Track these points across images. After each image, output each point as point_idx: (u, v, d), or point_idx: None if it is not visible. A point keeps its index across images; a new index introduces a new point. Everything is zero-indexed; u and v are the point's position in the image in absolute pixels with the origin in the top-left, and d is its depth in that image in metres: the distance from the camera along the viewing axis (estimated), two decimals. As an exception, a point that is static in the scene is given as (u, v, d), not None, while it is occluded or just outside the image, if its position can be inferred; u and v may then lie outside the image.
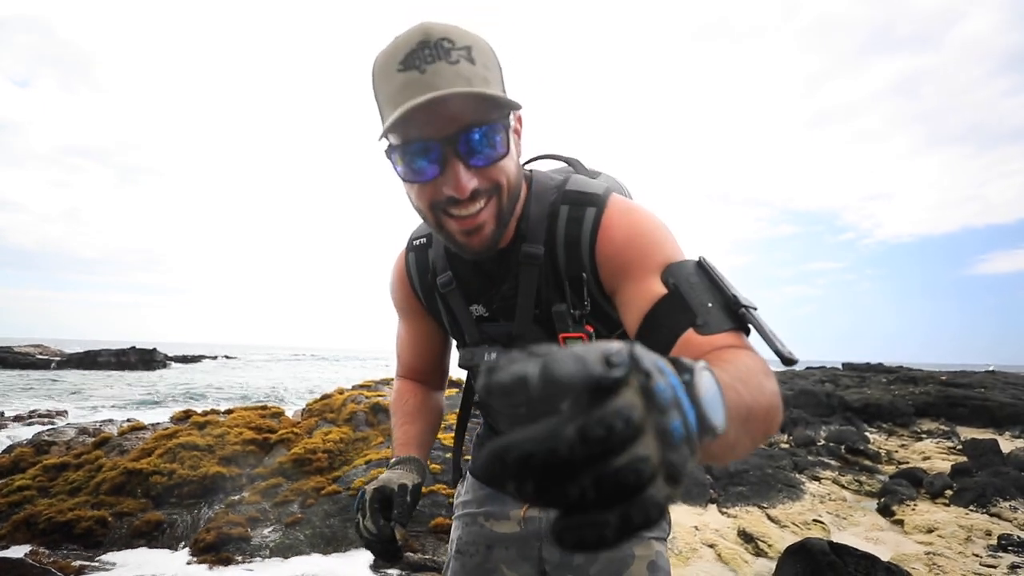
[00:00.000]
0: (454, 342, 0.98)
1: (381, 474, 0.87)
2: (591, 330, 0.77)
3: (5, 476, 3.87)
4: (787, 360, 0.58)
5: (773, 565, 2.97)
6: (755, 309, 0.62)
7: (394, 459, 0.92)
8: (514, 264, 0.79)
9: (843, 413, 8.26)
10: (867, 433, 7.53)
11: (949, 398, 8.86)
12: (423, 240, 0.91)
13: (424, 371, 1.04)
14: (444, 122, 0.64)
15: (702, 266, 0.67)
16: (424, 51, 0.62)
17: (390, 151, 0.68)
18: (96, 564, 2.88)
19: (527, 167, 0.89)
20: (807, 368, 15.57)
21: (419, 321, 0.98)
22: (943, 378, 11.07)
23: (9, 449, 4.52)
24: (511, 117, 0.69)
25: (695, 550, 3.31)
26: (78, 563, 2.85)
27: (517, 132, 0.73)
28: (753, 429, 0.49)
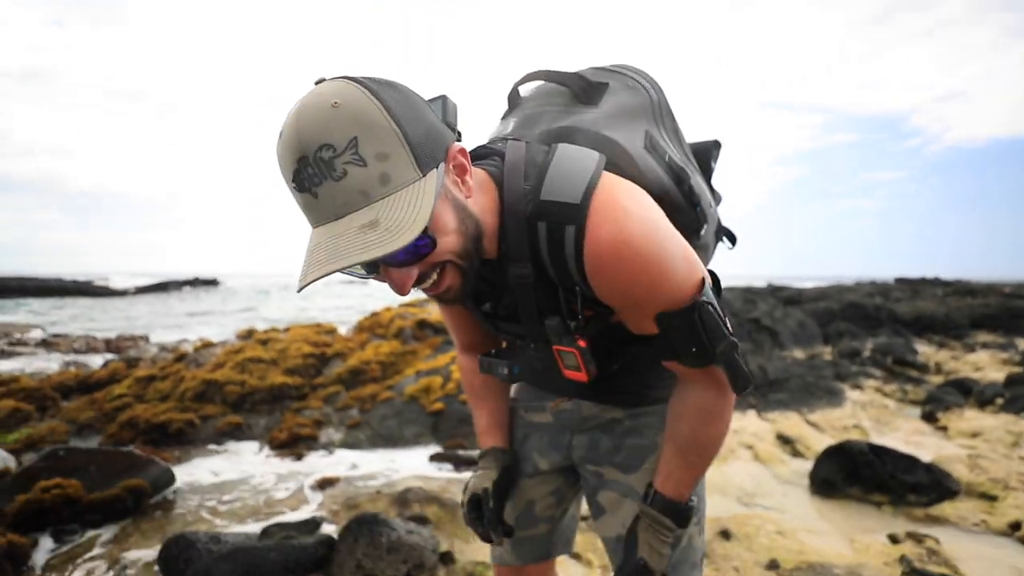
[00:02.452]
0: None
1: (473, 476, 1.01)
2: (583, 345, 0.76)
3: (104, 387, 4.39)
4: (740, 390, 0.74)
5: (810, 465, 3.06)
6: (734, 347, 0.72)
7: (479, 452, 1.05)
8: (506, 279, 0.76)
9: (892, 326, 8.02)
10: (916, 345, 7.33)
11: (1011, 310, 8.39)
12: None
13: (476, 342, 1.06)
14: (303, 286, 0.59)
15: (693, 314, 0.69)
16: (307, 170, 0.55)
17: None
18: (191, 455, 3.31)
19: (499, 150, 0.77)
20: (857, 283, 14.95)
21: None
22: (1006, 290, 10.42)
23: (105, 364, 5.08)
24: (437, 177, 0.60)
25: (732, 451, 3.44)
26: (177, 453, 3.29)
27: (458, 172, 0.65)
28: (701, 466, 0.83)
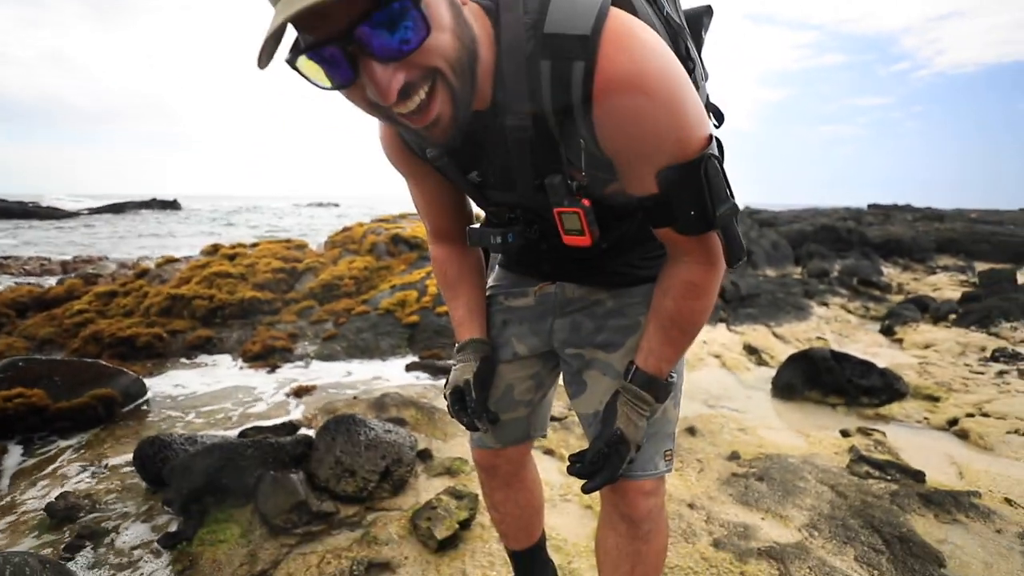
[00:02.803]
0: None
1: (453, 369, 0.97)
2: (588, 204, 0.70)
3: (62, 304, 4.19)
4: (733, 262, 0.71)
5: (774, 373, 3.22)
6: (735, 212, 0.67)
7: (456, 345, 0.98)
8: (500, 135, 0.68)
9: (861, 248, 8.24)
10: (883, 267, 7.60)
11: (974, 234, 8.70)
12: None
13: (450, 229, 0.97)
14: (333, 14, 0.50)
15: (696, 175, 0.64)
16: None
17: (290, 61, 0.54)
18: (163, 368, 3.26)
19: None
20: (833, 208, 15.17)
21: (427, 178, 0.89)
22: (973, 215, 10.74)
23: (60, 281, 4.84)
24: None
25: (701, 359, 3.58)
26: (148, 366, 3.23)
27: None
28: (684, 342, 0.82)
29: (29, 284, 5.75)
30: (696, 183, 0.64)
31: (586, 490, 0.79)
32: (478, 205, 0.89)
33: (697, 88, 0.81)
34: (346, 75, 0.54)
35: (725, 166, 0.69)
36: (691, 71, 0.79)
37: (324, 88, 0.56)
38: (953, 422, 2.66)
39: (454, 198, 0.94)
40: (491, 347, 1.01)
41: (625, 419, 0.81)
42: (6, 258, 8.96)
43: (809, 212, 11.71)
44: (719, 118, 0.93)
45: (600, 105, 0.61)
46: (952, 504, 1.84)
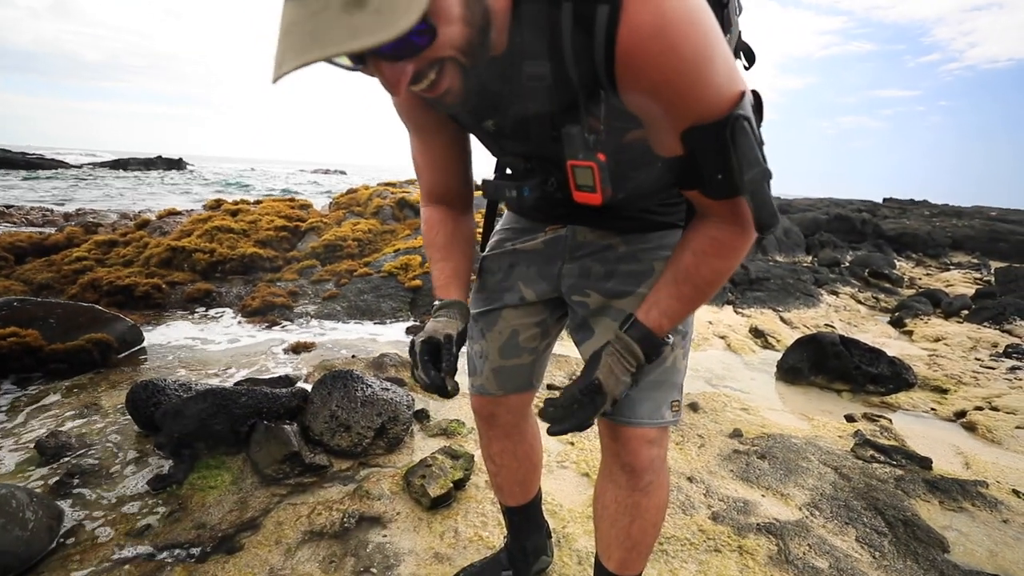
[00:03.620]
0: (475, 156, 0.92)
1: (427, 322, 0.88)
2: (603, 159, 0.66)
3: (62, 250, 4.15)
4: (764, 230, 0.66)
5: (779, 356, 3.15)
6: (766, 176, 0.62)
7: (437, 303, 0.89)
8: (517, 82, 0.65)
9: (875, 240, 8.08)
10: (895, 261, 7.46)
11: (993, 232, 8.50)
12: None
13: (448, 192, 0.92)
14: (280, 76, 0.49)
15: (725, 135, 0.60)
16: None
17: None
18: (161, 319, 3.22)
19: None
20: (848, 200, 14.89)
21: (437, 134, 0.86)
22: (992, 214, 10.50)
23: (60, 228, 4.78)
24: None
25: (706, 339, 3.52)
26: (146, 314, 3.19)
27: None
28: (694, 302, 0.76)
29: (30, 232, 5.71)
30: (723, 144, 0.60)
31: (551, 433, 0.75)
32: (493, 154, 0.85)
33: (729, 27, 0.75)
34: (358, 63, 0.54)
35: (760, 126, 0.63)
36: (725, 4, 0.74)
37: (339, 65, 0.55)
38: (961, 414, 2.60)
39: (460, 158, 0.90)
40: (472, 315, 0.98)
41: (607, 370, 0.75)
42: (8, 207, 8.92)
43: (824, 201, 11.48)
44: (750, 58, 0.85)
45: (623, 57, 0.58)
46: (959, 492, 1.79)
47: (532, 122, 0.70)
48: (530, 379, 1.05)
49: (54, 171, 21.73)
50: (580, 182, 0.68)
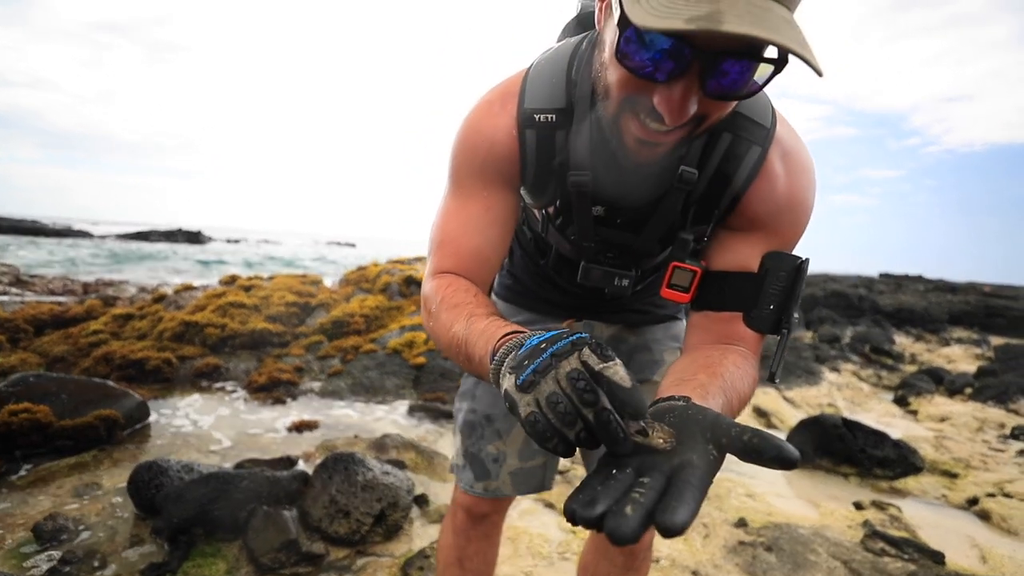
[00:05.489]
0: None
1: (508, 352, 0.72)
2: (705, 264, 0.73)
3: (80, 323, 4.28)
4: (772, 377, 0.71)
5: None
6: (792, 328, 0.70)
7: (504, 347, 0.55)
8: (666, 180, 0.69)
9: (873, 316, 8.16)
10: (895, 336, 7.49)
11: (989, 308, 8.59)
12: (550, 118, 0.71)
13: (481, 260, 0.76)
14: (714, 32, 0.47)
15: (797, 270, 0.68)
16: None
17: (624, 20, 0.51)
18: (168, 393, 3.26)
19: None
20: (844, 275, 15.17)
21: (500, 193, 0.76)
22: (986, 289, 10.65)
23: (80, 299, 4.95)
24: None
25: (708, 419, 3.50)
26: (154, 389, 3.24)
27: None
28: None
29: (50, 302, 5.89)
30: (793, 277, 0.68)
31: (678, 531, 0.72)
32: (572, 241, 0.81)
33: None
34: (659, 76, 0.52)
35: None
36: None
37: (620, 60, 0.53)
38: (973, 501, 2.54)
39: (507, 229, 0.78)
40: None
41: None
42: (32, 276, 9.22)
43: (820, 277, 11.71)
44: None
45: (756, 188, 0.69)
46: (974, 590, 1.73)
47: (655, 220, 0.73)
48: (543, 480, 1.04)
49: (73, 240, 22.61)
50: (675, 282, 0.72)
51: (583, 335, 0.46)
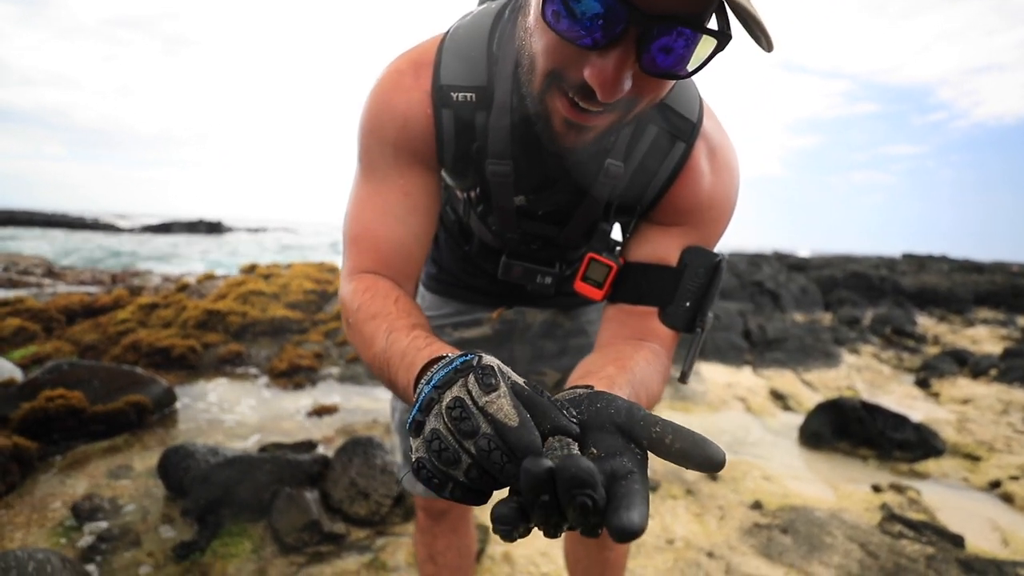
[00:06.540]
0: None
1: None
2: (623, 262, 0.71)
3: (109, 312, 4.41)
4: (683, 377, 0.71)
5: (800, 420, 3.10)
6: (708, 326, 0.68)
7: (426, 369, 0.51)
8: (590, 172, 0.66)
9: (894, 297, 7.97)
10: (917, 318, 7.31)
11: (1016, 288, 8.31)
12: (470, 96, 0.64)
13: (404, 255, 0.69)
14: None
15: (715, 268, 0.68)
16: None
17: None
18: (193, 378, 3.37)
19: None
20: (865, 256, 14.79)
21: (418, 175, 0.69)
22: (1014, 269, 10.29)
23: (108, 289, 5.11)
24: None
25: (725, 402, 3.49)
26: (180, 375, 3.35)
27: None
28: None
29: (80, 292, 6.09)
30: (711, 275, 0.68)
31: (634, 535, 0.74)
32: (494, 231, 0.77)
33: None
34: (592, 44, 0.46)
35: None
36: None
37: (549, 23, 0.47)
38: (996, 484, 2.50)
39: (430, 220, 0.71)
40: None
41: None
42: (64, 268, 9.55)
43: (840, 258, 11.44)
44: None
45: (679, 185, 0.68)
46: (995, 574, 1.72)
47: (581, 210, 0.70)
48: None
49: (105, 233, 23.30)
50: (589, 274, 0.70)
51: (469, 357, 0.42)
